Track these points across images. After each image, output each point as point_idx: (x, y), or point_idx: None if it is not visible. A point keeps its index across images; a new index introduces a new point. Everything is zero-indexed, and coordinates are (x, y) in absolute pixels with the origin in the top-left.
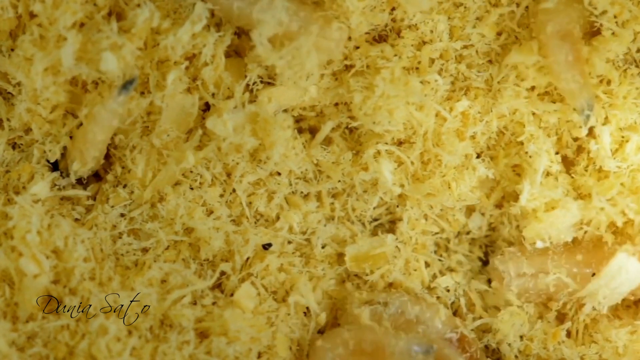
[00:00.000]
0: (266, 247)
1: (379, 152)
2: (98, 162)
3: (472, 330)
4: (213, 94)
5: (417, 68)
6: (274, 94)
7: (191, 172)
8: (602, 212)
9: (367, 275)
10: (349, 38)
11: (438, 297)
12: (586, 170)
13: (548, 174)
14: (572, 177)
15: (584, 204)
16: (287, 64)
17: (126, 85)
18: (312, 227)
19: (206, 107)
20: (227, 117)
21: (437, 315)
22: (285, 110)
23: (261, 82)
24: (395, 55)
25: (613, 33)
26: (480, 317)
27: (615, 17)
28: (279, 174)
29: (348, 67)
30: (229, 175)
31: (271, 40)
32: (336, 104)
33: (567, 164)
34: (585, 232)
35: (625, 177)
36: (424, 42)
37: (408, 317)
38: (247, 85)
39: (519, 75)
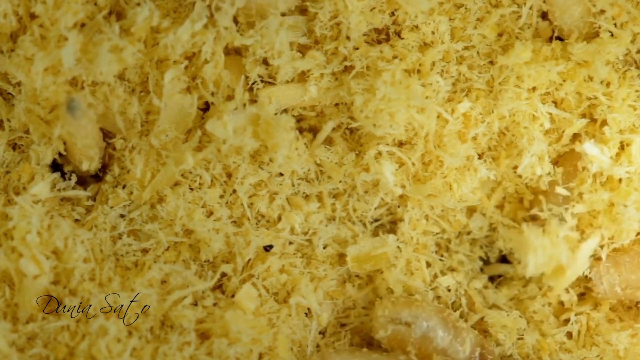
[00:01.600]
0: (267, 248)
1: (380, 153)
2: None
3: (472, 326)
4: (212, 93)
5: (418, 70)
6: (274, 93)
7: (190, 172)
8: (632, 220)
9: (368, 275)
10: (348, 38)
11: (439, 297)
12: (595, 191)
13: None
14: (581, 201)
15: (605, 223)
16: (258, 43)
17: (70, 107)
18: (313, 228)
19: (206, 107)
20: (227, 119)
21: (462, 347)
22: (285, 111)
23: (261, 81)
24: (395, 57)
25: (612, 35)
26: (483, 318)
27: (613, 18)
28: (282, 174)
29: (348, 68)
30: (229, 176)
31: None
32: (336, 104)
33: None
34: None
35: (638, 182)
36: (425, 44)
37: (435, 345)
38: (247, 84)
39: (520, 76)
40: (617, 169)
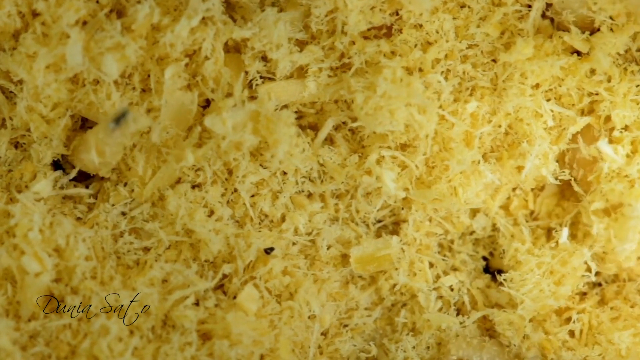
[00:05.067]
0: (268, 251)
1: (382, 157)
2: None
3: (474, 322)
4: (212, 90)
5: (420, 69)
6: (273, 89)
7: (193, 166)
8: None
9: (371, 276)
10: (345, 34)
11: (442, 297)
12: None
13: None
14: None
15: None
16: (256, 36)
17: (118, 119)
18: (317, 228)
19: (206, 104)
20: (226, 116)
21: None
22: (285, 107)
23: (260, 77)
24: (393, 52)
25: (612, 29)
26: (485, 317)
27: (611, 18)
28: (285, 173)
29: (346, 65)
30: (230, 172)
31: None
32: (336, 101)
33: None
34: None
35: None
36: (429, 43)
37: None
38: (246, 80)
39: (523, 73)
40: (629, 168)
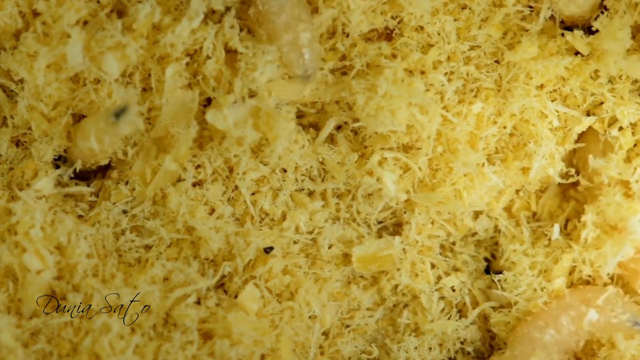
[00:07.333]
0: (267, 250)
1: (385, 159)
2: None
3: (474, 324)
4: (213, 89)
5: (422, 72)
6: (274, 88)
7: (194, 164)
8: None
9: (373, 276)
10: (347, 36)
11: (443, 297)
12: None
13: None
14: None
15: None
16: (246, 57)
17: (118, 114)
18: (318, 227)
19: (207, 103)
20: (227, 112)
21: None
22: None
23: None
24: (394, 54)
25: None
26: (486, 318)
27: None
28: (285, 170)
29: (347, 67)
30: (230, 170)
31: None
32: (337, 102)
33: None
34: None
35: None
36: (430, 45)
37: None
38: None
39: (528, 73)
40: (636, 185)
